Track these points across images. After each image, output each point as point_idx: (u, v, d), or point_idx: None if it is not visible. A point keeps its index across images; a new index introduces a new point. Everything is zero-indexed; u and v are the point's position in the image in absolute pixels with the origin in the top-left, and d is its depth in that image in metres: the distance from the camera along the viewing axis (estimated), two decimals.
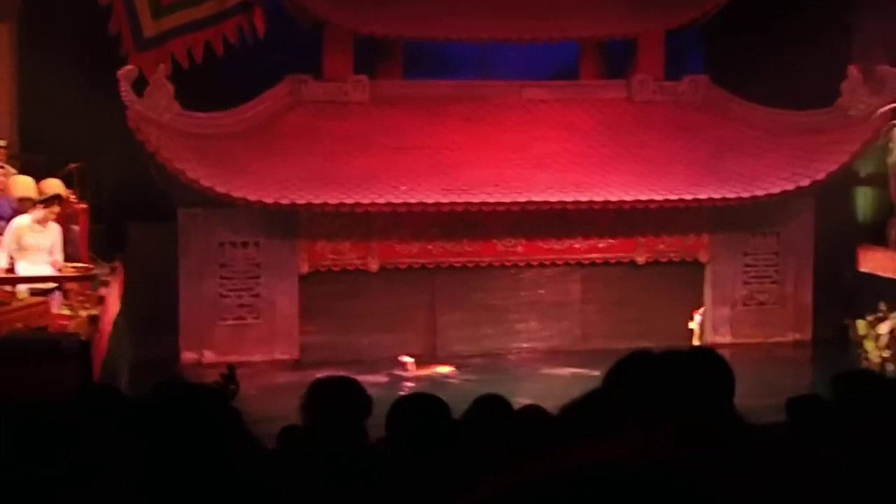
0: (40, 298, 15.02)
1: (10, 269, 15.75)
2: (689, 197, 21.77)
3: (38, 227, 16.01)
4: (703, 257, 23.07)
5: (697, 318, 21.93)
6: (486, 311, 22.71)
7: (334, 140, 22.26)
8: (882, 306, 21.05)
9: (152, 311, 20.68)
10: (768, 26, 23.63)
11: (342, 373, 17.84)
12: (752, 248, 23.23)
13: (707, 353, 3.94)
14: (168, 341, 20.97)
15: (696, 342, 21.52)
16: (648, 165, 22.30)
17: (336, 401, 5.28)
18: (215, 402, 3.61)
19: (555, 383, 20.12)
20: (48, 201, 16.25)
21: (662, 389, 3.43)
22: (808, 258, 23.30)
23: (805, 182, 21.89)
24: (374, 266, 22.18)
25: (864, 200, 24.01)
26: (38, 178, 18.40)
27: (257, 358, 21.27)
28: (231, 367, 7.23)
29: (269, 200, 20.81)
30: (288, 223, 21.72)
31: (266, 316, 21.97)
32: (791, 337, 23.17)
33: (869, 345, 20.74)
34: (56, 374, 12.75)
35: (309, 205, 21.01)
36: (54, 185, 18.32)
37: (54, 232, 16.17)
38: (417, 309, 22.62)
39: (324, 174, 21.39)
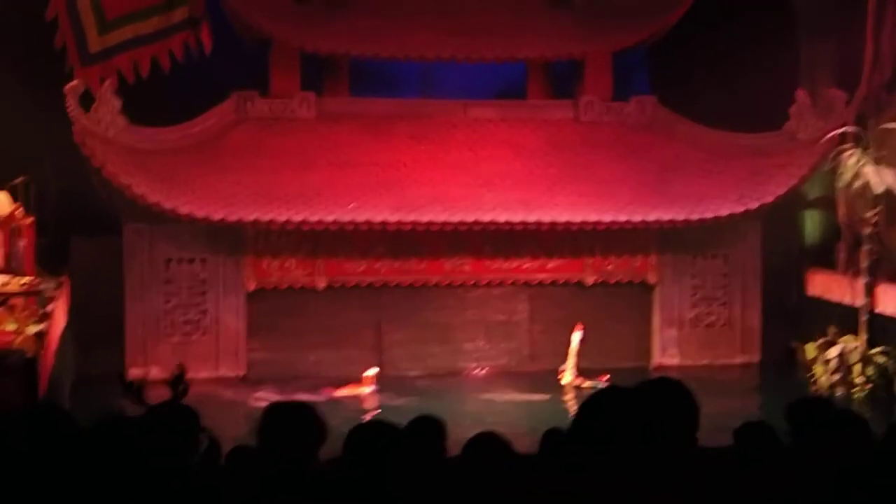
0: None
1: None
2: (636, 218, 21.78)
3: None
4: (651, 279, 23.11)
5: (577, 335, 21.70)
6: (433, 330, 22.64)
7: (280, 156, 22.10)
8: (831, 330, 21.14)
9: (96, 327, 20.39)
10: (715, 48, 23.74)
11: (286, 389, 17.66)
12: (699, 269, 23.32)
13: (673, 386, 3.86)
14: (113, 357, 20.66)
15: (571, 359, 21.41)
16: (596, 186, 22.30)
17: (290, 427, 5.15)
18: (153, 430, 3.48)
19: (501, 407, 20.06)
20: None
21: (632, 424, 3.35)
22: (756, 280, 23.41)
23: (753, 205, 22.00)
24: (320, 284, 22.04)
25: (811, 224, 24.18)
26: None
27: (203, 374, 21.02)
28: (180, 367, 7.03)
29: (215, 217, 20.62)
30: (234, 240, 21.56)
31: (212, 332, 21.79)
32: (739, 359, 23.25)
33: (818, 369, 20.82)
34: (1, 389, 12.52)
35: (255, 221, 20.84)
36: (1, 200, 18.02)
37: None
38: (364, 327, 22.50)
39: (270, 191, 21.23)
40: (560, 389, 21.09)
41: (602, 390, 3.76)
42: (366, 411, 19.16)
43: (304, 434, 5.10)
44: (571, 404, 19.81)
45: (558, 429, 7.45)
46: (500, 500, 5.11)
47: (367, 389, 20.84)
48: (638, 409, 3.47)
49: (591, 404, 3.90)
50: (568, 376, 21.38)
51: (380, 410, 19.24)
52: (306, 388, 20.11)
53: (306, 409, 5.27)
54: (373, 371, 21.15)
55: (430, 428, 6.41)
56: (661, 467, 3.39)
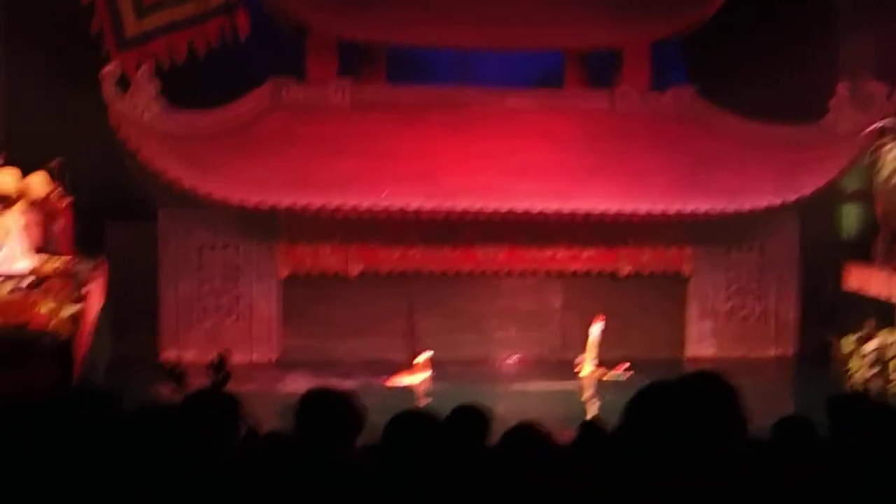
0: (22, 294, 14.78)
1: None
2: (672, 209, 21.69)
3: None
4: (685, 270, 23.01)
5: (597, 327, 21.55)
6: (466, 319, 22.60)
7: (315, 143, 22.08)
8: (868, 324, 20.97)
9: (131, 311, 20.44)
10: (753, 39, 23.57)
11: (319, 376, 17.65)
12: (735, 262, 23.19)
13: (716, 380, 3.79)
14: (147, 341, 20.77)
15: (591, 351, 21.27)
16: (632, 176, 22.19)
17: (327, 415, 5.10)
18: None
19: (533, 396, 20.03)
20: None
21: (679, 419, 3.28)
22: (792, 273, 23.27)
23: (791, 197, 21.87)
24: (353, 271, 22.04)
25: (849, 217, 24.01)
26: (22, 172, 18.12)
27: (236, 359, 20.94)
28: (220, 355, 6.99)
29: (249, 202, 20.65)
30: (268, 226, 21.58)
31: (245, 318, 21.85)
32: (773, 352, 23.12)
33: (854, 363, 20.65)
34: (37, 370, 12.54)
35: (289, 208, 20.86)
36: (38, 181, 18.07)
37: (9, 223, 15.80)
38: (396, 315, 22.50)
39: (304, 177, 21.23)
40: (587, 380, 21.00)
41: (649, 386, 3.68)
42: (417, 400, 19.09)
43: (341, 422, 5.06)
44: (601, 395, 19.68)
45: (595, 420, 7.41)
46: (538, 492, 5.06)
47: (422, 376, 20.75)
48: (687, 404, 3.40)
49: (640, 399, 3.83)
50: (588, 367, 21.25)
51: (429, 399, 19.19)
52: (342, 375, 20.08)
53: (343, 396, 5.23)
54: (425, 355, 21.02)
55: (472, 418, 6.37)
56: (708, 462, 3.32)
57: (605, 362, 21.21)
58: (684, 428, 3.30)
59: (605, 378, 20.73)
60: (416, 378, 20.72)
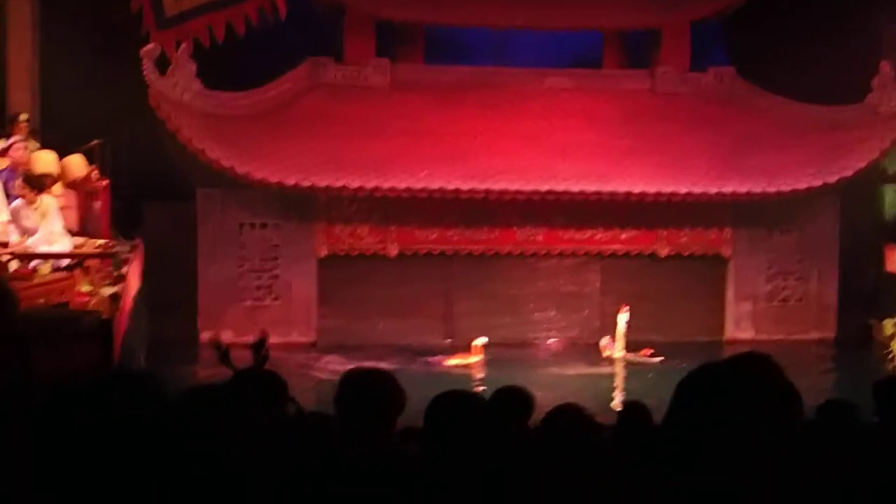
0: (62, 274, 14.81)
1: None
2: (712, 190, 21.57)
3: (29, 207, 15.72)
4: (725, 252, 22.86)
5: (623, 317, 21.33)
6: (504, 301, 22.53)
7: (353, 123, 22.07)
8: None
9: (169, 291, 20.47)
10: (795, 18, 23.38)
11: (356, 357, 17.67)
12: (775, 244, 23.01)
13: (765, 361, 3.70)
14: (184, 321, 20.79)
15: (620, 341, 21.13)
16: (671, 158, 22.07)
17: (367, 395, 5.05)
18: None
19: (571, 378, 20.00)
20: (32, 182, 15.91)
21: (733, 402, 3.21)
22: (833, 256, 23.07)
23: (831, 178, 21.69)
24: (392, 251, 22.01)
25: (890, 199, 23.80)
26: (59, 153, 18.17)
27: (274, 340, 20.81)
28: (260, 337, 7.00)
29: (288, 182, 20.67)
30: (306, 206, 21.57)
31: (283, 298, 21.86)
32: (813, 335, 22.92)
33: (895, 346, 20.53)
34: (77, 351, 12.55)
35: (328, 188, 20.86)
36: (76, 162, 18.10)
37: (45, 205, 15.83)
38: (434, 296, 22.45)
39: (342, 157, 21.22)
40: (626, 363, 20.90)
41: (699, 369, 3.60)
42: (472, 382, 19.05)
43: (381, 402, 5.02)
44: (639, 378, 19.54)
45: (638, 402, 7.36)
46: (581, 475, 5.01)
47: (475, 359, 20.70)
48: (741, 387, 3.31)
49: (690, 382, 3.75)
50: (619, 351, 21.07)
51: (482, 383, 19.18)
52: (379, 356, 20.06)
53: (383, 376, 5.19)
54: (482, 340, 20.95)
55: (515, 400, 6.33)
56: (759, 448, 3.24)
57: (640, 345, 21.10)
58: (737, 412, 3.23)
59: (633, 361, 20.65)
60: (469, 360, 20.66)
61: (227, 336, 20.81)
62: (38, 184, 15.89)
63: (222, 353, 6.77)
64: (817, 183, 21.68)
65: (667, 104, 23.38)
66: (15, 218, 15.65)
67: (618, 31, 24.21)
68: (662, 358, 20.41)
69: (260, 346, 7.13)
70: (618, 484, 4.72)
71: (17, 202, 15.79)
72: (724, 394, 3.29)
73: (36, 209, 15.64)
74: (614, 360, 20.96)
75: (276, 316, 21.63)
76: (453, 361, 20.62)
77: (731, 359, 3.39)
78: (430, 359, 20.67)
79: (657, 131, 22.72)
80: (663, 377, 17.02)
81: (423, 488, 4.49)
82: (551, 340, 22.51)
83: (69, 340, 12.81)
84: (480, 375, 19.74)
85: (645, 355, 20.77)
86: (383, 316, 22.04)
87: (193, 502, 2.77)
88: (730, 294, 22.99)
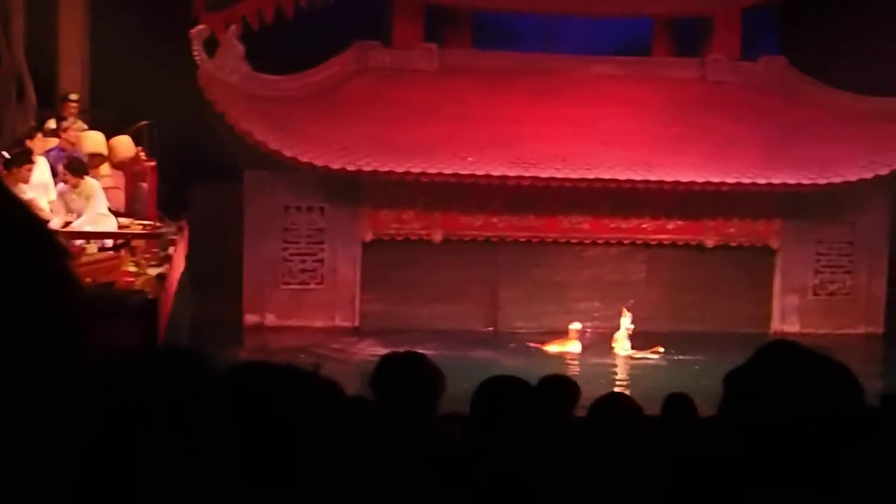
0: (108, 254, 14.87)
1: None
2: (761, 181, 21.39)
3: (73, 191, 15.78)
4: (773, 243, 22.65)
5: (625, 319, 21.10)
6: (548, 288, 22.42)
7: (400, 108, 22.03)
8: None
9: (214, 273, 20.51)
10: (846, 6, 23.11)
11: (399, 342, 17.70)
12: (824, 236, 22.77)
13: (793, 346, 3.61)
14: (229, 303, 20.83)
15: (623, 341, 20.89)
16: (720, 147, 21.89)
17: (406, 378, 5.00)
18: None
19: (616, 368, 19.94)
20: (74, 167, 15.95)
21: (802, 380, 3.13)
22: (883, 249, 22.81)
23: (883, 171, 21.48)
24: (437, 237, 21.95)
25: None
26: (107, 134, 18.24)
27: (318, 323, 21.23)
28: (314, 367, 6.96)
29: (334, 166, 20.66)
30: (352, 190, 21.54)
31: (328, 282, 21.84)
32: (861, 329, 22.69)
33: None
34: (121, 330, 12.55)
35: (374, 172, 20.82)
36: (124, 143, 18.17)
37: (89, 188, 15.89)
38: (478, 282, 22.37)
39: (389, 142, 21.19)
40: (672, 353, 20.74)
41: (777, 342, 3.50)
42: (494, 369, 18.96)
43: (419, 386, 4.97)
44: (686, 370, 19.38)
45: (681, 393, 7.29)
46: (626, 463, 4.96)
47: (572, 344, 20.66)
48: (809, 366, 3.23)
49: (740, 375, 3.66)
50: (625, 349, 20.88)
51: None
52: (422, 342, 20.00)
53: (420, 360, 5.14)
54: (577, 325, 20.90)
55: (561, 388, 6.28)
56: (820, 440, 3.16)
57: (684, 336, 21.00)
58: (791, 398, 3.14)
59: (636, 357, 20.51)
60: (567, 346, 20.66)
61: (271, 319, 21.12)
62: (81, 168, 15.96)
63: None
64: (869, 174, 21.47)
65: (716, 93, 23.21)
66: (60, 201, 15.73)
67: (668, 18, 24.05)
68: (661, 352, 20.35)
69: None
70: (660, 473, 4.65)
71: (61, 186, 15.87)
72: (772, 383, 3.22)
73: (80, 193, 15.70)
74: (618, 357, 20.79)
75: (319, 300, 21.65)
76: (552, 347, 20.62)
77: (764, 348, 3.33)
78: (531, 344, 20.70)
79: (706, 120, 22.54)
80: (707, 369, 16.82)
81: (463, 472, 4.44)
82: (590, 331, 22.17)
83: (115, 320, 12.82)
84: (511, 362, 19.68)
85: (655, 351, 20.61)
86: (428, 301, 21.97)
87: (244, 481, 2.73)
88: (777, 286, 22.79)
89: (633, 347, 20.75)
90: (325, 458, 2.94)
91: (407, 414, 4.86)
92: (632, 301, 21.43)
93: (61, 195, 15.67)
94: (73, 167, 15.85)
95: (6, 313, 1.11)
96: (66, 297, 1.18)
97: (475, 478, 4.43)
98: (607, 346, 21.03)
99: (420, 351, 5.75)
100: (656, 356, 20.46)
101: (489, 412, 4.89)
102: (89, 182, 15.89)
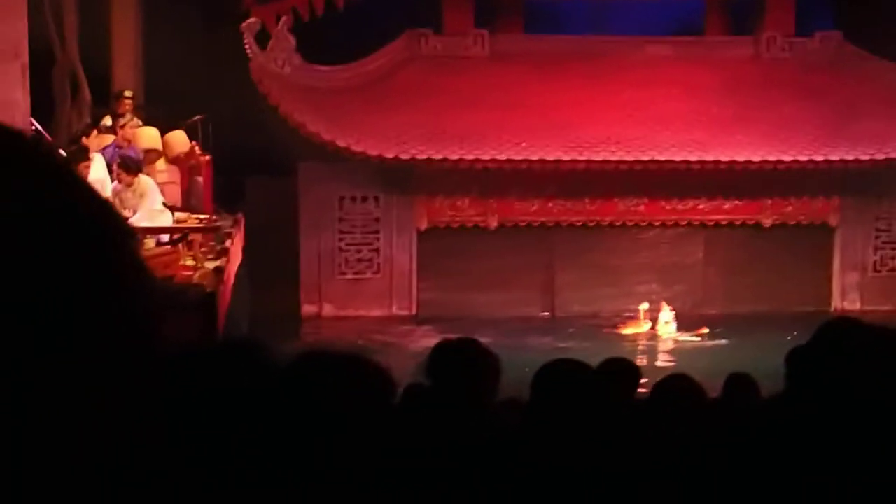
0: (165, 249, 14.96)
1: None
2: (818, 158, 21.20)
3: (127, 190, 15.85)
4: (832, 221, 22.45)
5: (644, 306, 21.11)
6: (606, 272, 22.31)
7: (452, 95, 21.99)
8: None
9: (270, 265, 20.59)
10: None
11: (456, 330, 17.72)
12: (884, 212, 22.53)
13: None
14: (286, 294, 20.91)
15: (669, 325, 20.86)
16: (776, 126, 21.71)
17: (460, 365, 4.96)
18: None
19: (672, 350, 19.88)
20: (127, 165, 16.02)
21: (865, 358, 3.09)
22: None
23: None
24: (492, 223, 21.92)
25: None
26: (161, 129, 18.35)
27: (375, 313, 21.28)
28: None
29: (388, 155, 20.67)
30: (406, 178, 21.54)
31: (384, 271, 21.87)
32: None
33: None
34: (181, 324, 12.59)
35: (428, 160, 20.82)
36: (179, 138, 18.27)
37: (143, 186, 15.96)
38: (535, 268, 22.31)
39: (442, 129, 21.18)
40: (737, 334, 20.59)
41: (815, 339, 3.46)
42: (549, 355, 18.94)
43: (474, 372, 4.94)
44: (747, 351, 19.22)
45: (742, 374, 7.22)
46: (689, 445, 4.90)
47: (645, 325, 20.88)
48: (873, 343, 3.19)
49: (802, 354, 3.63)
50: (669, 332, 20.82)
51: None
52: (479, 329, 19.98)
53: (474, 345, 5.11)
54: (645, 306, 21.06)
55: (622, 371, 6.23)
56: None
57: (742, 317, 20.91)
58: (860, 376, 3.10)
59: (681, 340, 20.50)
60: (642, 328, 20.80)
61: (328, 309, 21.19)
62: (135, 166, 16.05)
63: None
64: None
65: (771, 71, 23.00)
66: (115, 199, 15.79)
67: None
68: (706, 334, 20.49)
69: None
70: (723, 456, 4.60)
71: (116, 184, 15.96)
72: (836, 361, 3.18)
73: (134, 191, 15.78)
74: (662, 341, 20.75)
75: (376, 289, 21.69)
76: (628, 331, 20.76)
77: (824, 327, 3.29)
78: (606, 330, 20.84)
79: (762, 99, 22.35)
80: (768, 350, 16.65)
81: (520, 459, 4.41)
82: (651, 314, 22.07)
83: (174, 314, 12.88)
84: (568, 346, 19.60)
85: (699, 334, 20.56)
86: (484, 288, 21.92)
87: (308, 475, 2.72)
88: (836, 264, 22.59)
89: (680, 329, 20.75)
90: (377, 447, 2.93)
91: (462, 401, 4.84)
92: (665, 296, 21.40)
93: (116, 193, 15.76)
94: (127, 165, 15.95)
95: (79, 299, 1.10)
96: (137, 281, 1.17)
97: (533, 465, 4.40)
98: (687, 325, 21.06)
99: (477, 338, 5.73)
100: (699, 339, 20.39)
101: (548, 396, 4.86)
102: (143, 179, 15.98)
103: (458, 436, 4.51)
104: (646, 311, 20.88)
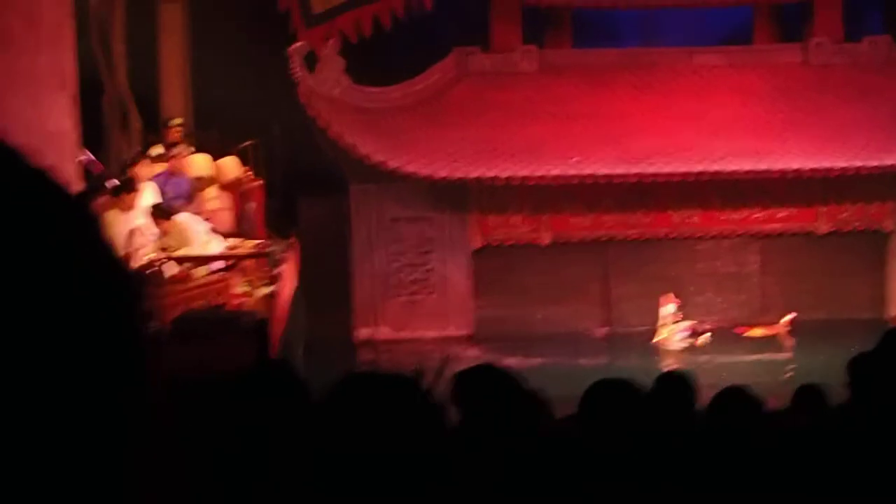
0: (217, 276, 14.99)
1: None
2: (872, 163, 20.99)
3: (165, 237, 15.50)
4: (887, 226, 22.19)
5: (667, 308, 20.98)
6: (662, 284, 22.11)
7: (502, 111, 21.97)
8: None
9: (325, 288, 20.63)
10: None
11: (515, 349, 17.69)
12: None
13: None
14: (340, 317, 20.92)
15: (666, 332, 20.76)
16: (828, 131, 21.55)
17: (482, 394, 4.89)
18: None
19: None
20: (158, 212, 15.72)
21: None
22: None
23: None
24: (546, 239, 21.85)
25: None
26: (213, 154, 18.45)
27: (431, 334, 21.17)
28: (444, 361, 6.89)
29: (439, 174, 20.67)
30: (458, 197, 21.53)
31: (439, 291, 21.82)
32: None
33: None
34: (234, 351, 12.66)
35: (479, 178, 20.80)
36: (230, 164, 18.36)
37: (179, 228, 15.64)
38: (591, 282, 22.21)
39: (493, 146, 21.17)
40: (798, 344, 20.47)
41: (879, 347, 3.40)
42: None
43: (498, 400, 4.86)
44: (812, 359, 19.02)
45: (813, 385, 7.12)
46: (748, 460, 4.85)
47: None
48: None
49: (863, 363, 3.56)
50: (675, 342, 20.74)
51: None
52: (536, 347, 19.93)
53: (491, 372, 5.04)
54: (789, 317, 21.21)
55: (678, 386, 6.15)
56: None
57: (800, 324, 20.80)
58: None
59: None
60: (770, 332, 21.04)
61: (384, 332, 21.16)
62: (164, 213, 15.69)
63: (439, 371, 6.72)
64: None
65: (822, 76, 22.81)
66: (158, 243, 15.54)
67: (768, 4, 23.70)
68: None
69: (440, 372, 7.05)
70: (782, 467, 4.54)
71: (155, 231, 15.56)
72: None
73: (171, 236, 15.36)
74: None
75: (432, 310, 21.66)
76: (756, 332, 20.92)
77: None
78: (735, 329, 21.04)
79: (813, 105, 22.20)
80: (824, 362, 16.49)
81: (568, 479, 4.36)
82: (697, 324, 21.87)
83: (226, 341, 12.94)
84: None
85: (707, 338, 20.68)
86: (541, 304, 21.85)
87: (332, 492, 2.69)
88: (892, 269, 22.32)
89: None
90: (413, 470, 2.89)
91: (491, 428, 4.77)
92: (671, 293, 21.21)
93: (159, 237, 15.41)
94: (156, 213, 15.69)
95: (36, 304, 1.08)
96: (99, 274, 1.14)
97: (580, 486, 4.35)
98: (729, 340, 20.85)
99: (532, 356, 5.67)
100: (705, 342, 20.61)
101: (597, 415, 4.81)
102: (177, 222, 15.64)
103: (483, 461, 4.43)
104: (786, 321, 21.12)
